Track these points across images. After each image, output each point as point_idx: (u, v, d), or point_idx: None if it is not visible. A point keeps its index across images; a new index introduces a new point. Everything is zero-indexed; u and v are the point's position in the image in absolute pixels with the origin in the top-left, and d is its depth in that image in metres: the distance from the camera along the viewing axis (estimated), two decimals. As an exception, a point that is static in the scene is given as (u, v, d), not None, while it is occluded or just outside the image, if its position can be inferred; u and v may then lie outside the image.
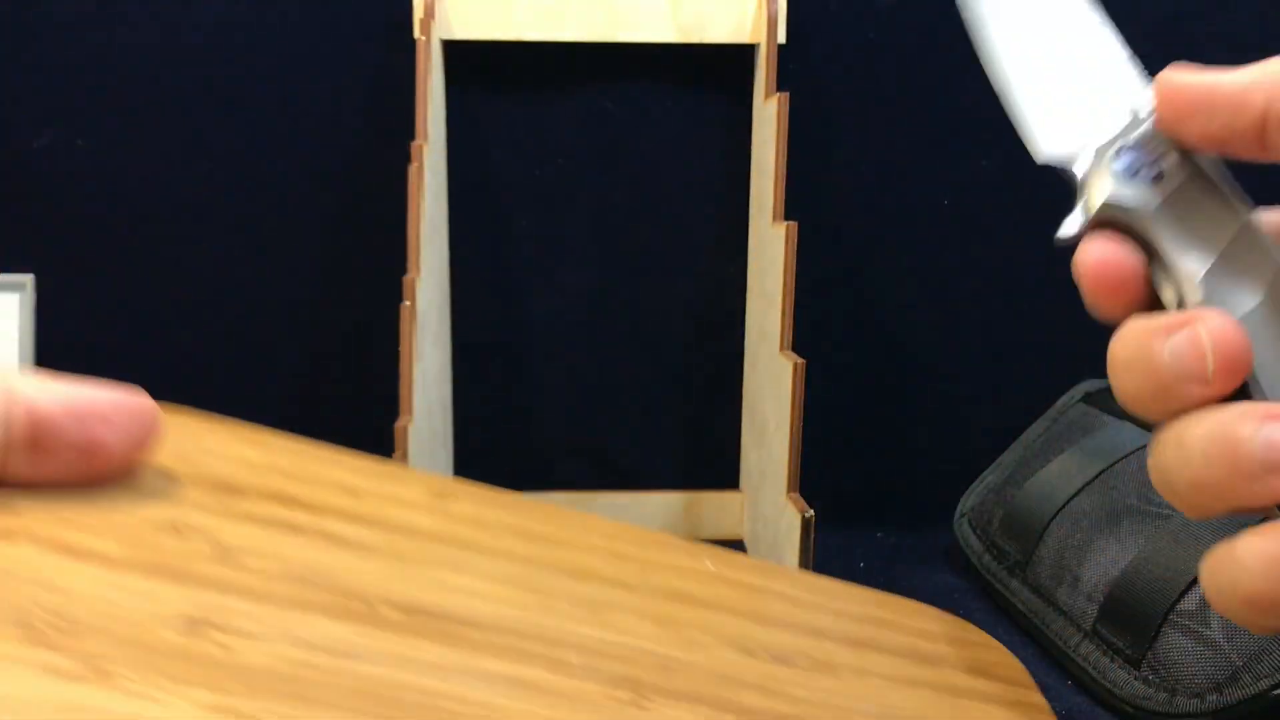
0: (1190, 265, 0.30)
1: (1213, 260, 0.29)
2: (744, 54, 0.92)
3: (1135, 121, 0.33)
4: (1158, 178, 0.31)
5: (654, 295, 0.97)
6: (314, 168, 0.93)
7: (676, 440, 1.00)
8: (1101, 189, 0.32)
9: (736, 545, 0.97)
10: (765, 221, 0.86)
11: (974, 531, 0.87)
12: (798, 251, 0.79)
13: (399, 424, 0.73)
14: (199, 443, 0.41)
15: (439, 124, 0.89)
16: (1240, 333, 0.27)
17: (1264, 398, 0.28)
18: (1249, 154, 0.29)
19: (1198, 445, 0.27)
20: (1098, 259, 0.31)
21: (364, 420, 0.94)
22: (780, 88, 0.84)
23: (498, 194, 0.95)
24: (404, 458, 0.72)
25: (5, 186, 0.92)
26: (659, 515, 0.99)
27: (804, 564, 0.74)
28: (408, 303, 0.75)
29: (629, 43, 0.90)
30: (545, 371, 0.98)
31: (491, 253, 0.95)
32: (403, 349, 0.74)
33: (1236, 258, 0.29)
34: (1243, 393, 0.28)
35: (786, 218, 0.80)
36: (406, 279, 0.75)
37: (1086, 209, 0.33)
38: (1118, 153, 0.33)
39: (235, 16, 0.90)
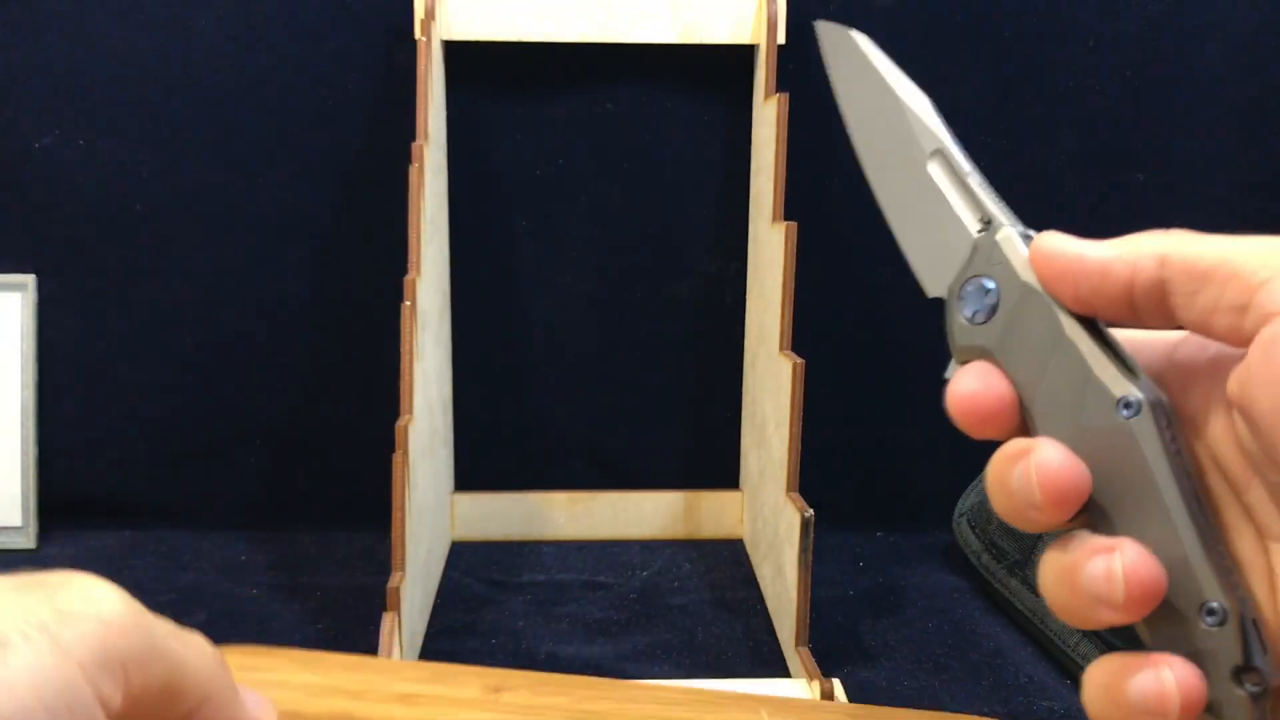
0: (1027, 392, 0.30)
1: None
2: (744, 54, 0.92)
3: (974, 256, 0.32)
4: (993, 311, 0.31)
5: (654, 295, 0.97)
6: (314, 168, 0.93)
7: (676, 440, 1.00)
8: (955, 331, 0.32)
9: (736, 545, 0.98)
10: (765, 221, 0.86)
11: (973, 531, 0.87)
12: (798, 251, 0.79)
13: (399, 423, 0.73)
14: (260, 675, 0.43)
15: (439, 124, 0.89)
16: (1067, 466, 0.29)
17: (1106, 515, 0.29)
18: (1121, 320, 0.30)
19: (1049, 575, 0.30)
20: (960, 395, 0.31)
21: (364, 420, 0.94)
22: (780, 88, 0.84)
23: (498, 194, 0.95)
24: (404, 456, 0.72)
25: (7, 187, 0.92)
26: (659, 515, 0.99)
27: (803, 563, 0.74)
28: (408, 302, 0.75)
29: (629, 43, 0.90)
30: (545, 371, 0.98)
31: (491, 253, 0.96)
32: (403, 348, 0.74)
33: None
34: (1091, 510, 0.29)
35: (786, 218, 0.81)
36: (407, 279, 0.75)
37: (952, 351, 0.33)
38: (961, 294, 0.32)
39: (236, 17, 0.90)
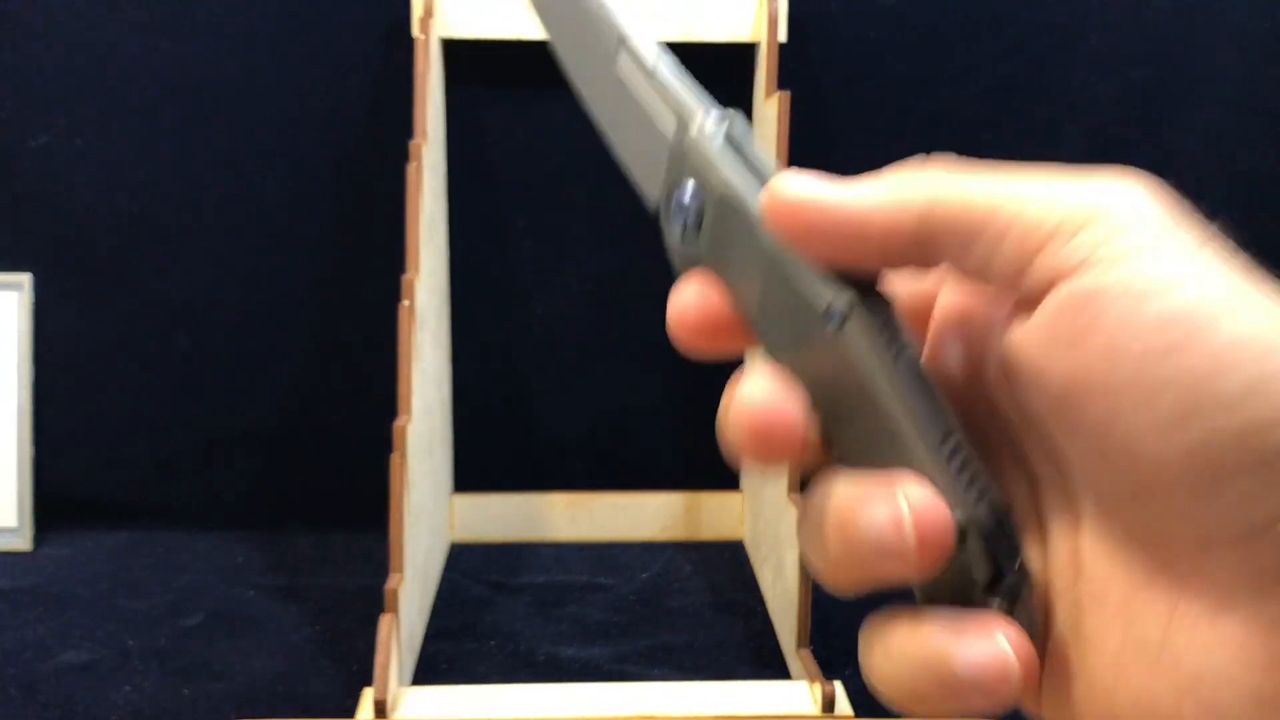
0: (743, 307, 0.26)
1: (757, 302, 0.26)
2: (744, 53, 0.92)
3: (672, 160, 0.28)
4: (700, 219, 0.27)
5: (654, 295, 0.96)
6: (313, 167, 0.93)
7: (676, 440, 0.99)
8: (670, 248, 0.29)
9: (737, 546, 0.97)
10: (766, 221, 0.86)
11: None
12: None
13: (397, 423, 0.72)
14: None
15: (438, 123, 0.88)
16: (769, 398, 0.24)
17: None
18: (877, 272, 0.25)
19: (810, 530, 0.24)
20: (673, 310, 0.28)
21: (362, 420, 0.94)
22: (781, 86, 0.84)
23: (497, 193, 0.94)
24: (402, 457, 0.72)
25: (3, 186, 0.92)
26: (659, 515, 0.98)
27: (804, 565, 0.74)
28: (406, 302, 0.74)
29: (629, 41, 0.90)
30: (545, 371, 0.98)
31: (491, 253, 0.95)
32: (401, 348, 0.74)
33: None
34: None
35: (787, 217, 0.80)
36: (405, 278, 0.75)
37: (674, 270, 0.29)
38: (668, 207, 0.28)
39: (234, 16, 0.90)
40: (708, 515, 0.99)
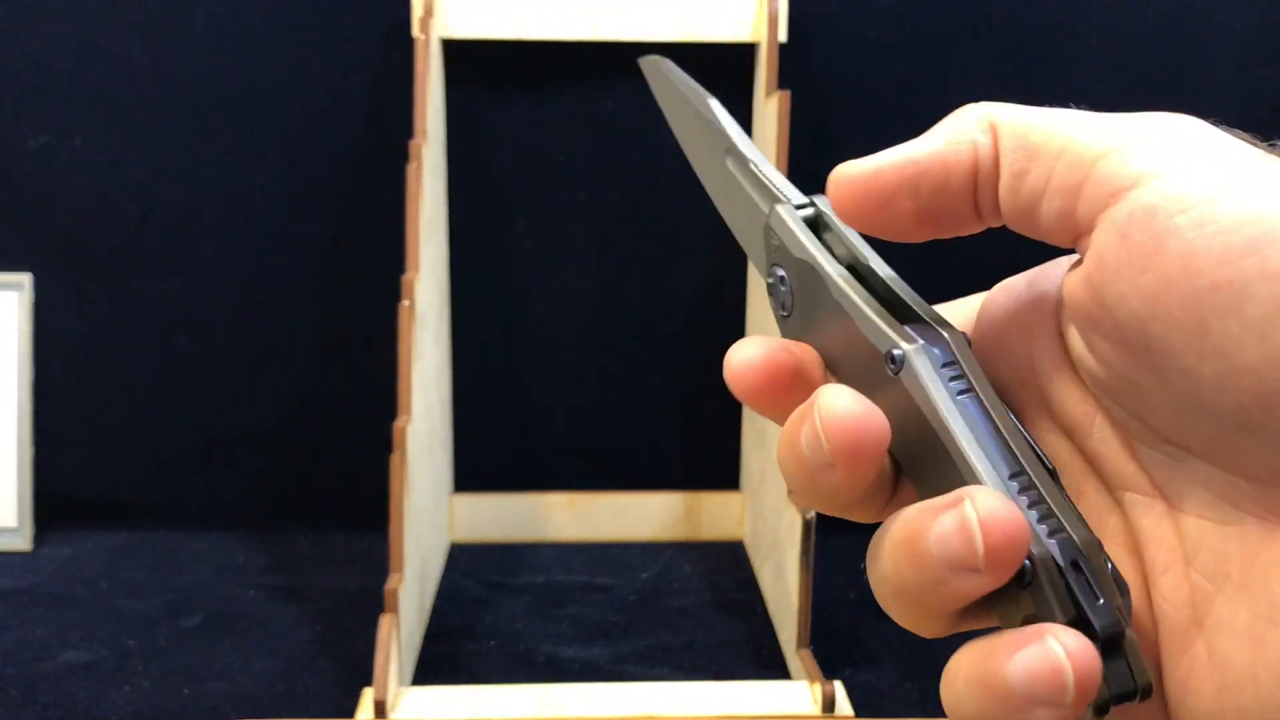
0: (827, 363, 0.27)
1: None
2: (745, 52, 0.92)
3: (768, 243, 0.30)
4: (792, 299, 0.28)
5: (654, 295, 0.96)
6: (311, 166, 0.93)
7: (676, 440, 0.99)
8: (777, 320, 0.30)
9: (737, 546, 0.97)
10: (766, 221, 0.86)
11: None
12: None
13: (397, 423, 0.72)
14: None
15: (438, 123, 0.88)
16: (856, 407, 0.23)
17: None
18: (928, 229, 0.26)
19: (882, 559, 0.24)
20: (742, 362, 0.26)
21: (362, 420, 0.94)
22: (781, 86, 0.84)
23: (497, 194, 0.94)
24: (402, 457, 0.72)
25: (2, 186, 0.92)
26: (659, 515, 0.98)
27: (804, 566, 0.74)
28: (406, 302, 0.74)
29: (629, 41, 0.90)
30: (545, 371, 0.98)
31: (491, 252, 0.95)
32: (401, 348, 0.74)
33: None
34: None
35: (787, 217, 0.80)
36: (405, 278, 0.75)
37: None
38: (769, 288, 0.29)
39: (232, 15, 0.90)
40: (708, 515, 0.99)
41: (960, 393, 0.24)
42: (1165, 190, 0.20)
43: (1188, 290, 0.20)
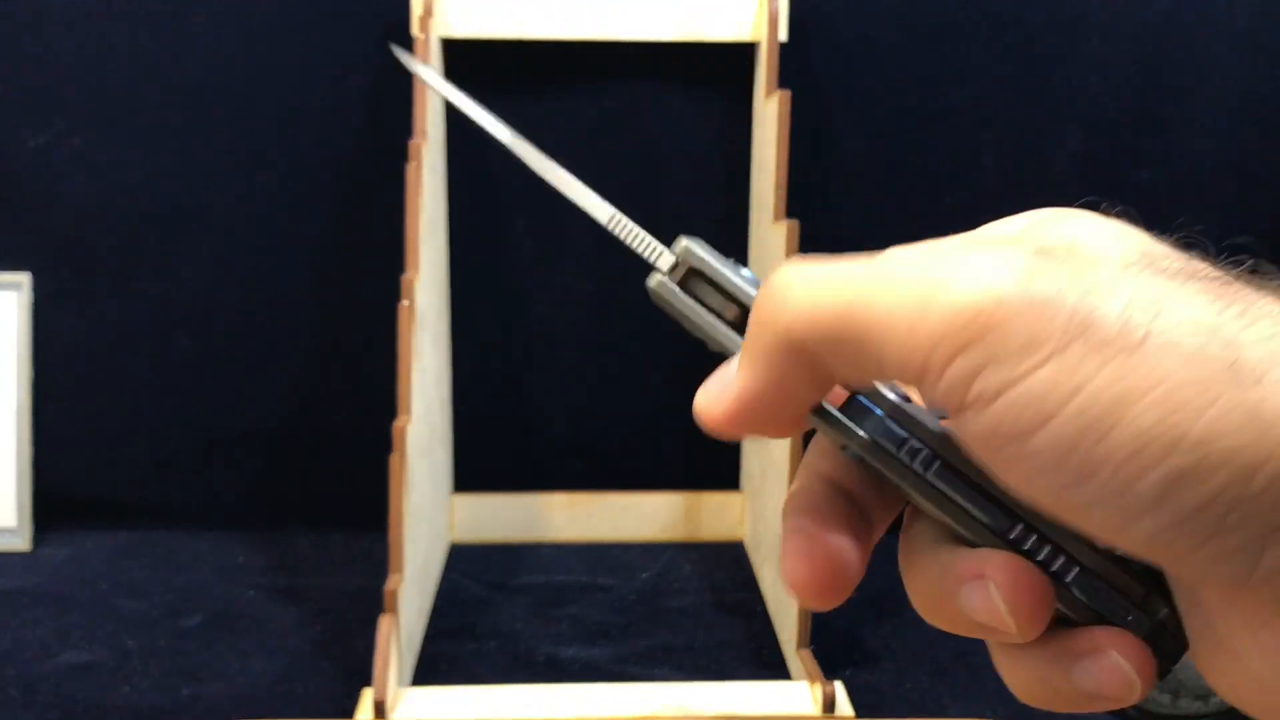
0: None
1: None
2: (745, 52, 0.92)
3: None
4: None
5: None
6: (311, 166, 0.93)
7: (676, 440, 0.99)
8: None
9: (737, 547, 0.97)
10: (766, 220, 0.86)
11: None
12: (798, 251, 0.78)
13: (396, 424, 0.72)
14: None
15: (438, 123, 0.88)
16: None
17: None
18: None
19: (921, 601, 0.25)
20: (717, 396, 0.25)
21: (362, 420, 0.93)
22: (781, 86, 0.84)
23: (497, 194, 0.94)
24: (401, 457, 0.72)
25: (2, 186, 0.92)
26: (659, 516, 0.98)
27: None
28: (405, 302, 0.74)
29: (629, 41, 0.90)
30: (545, 371, 0.98)
31: (491, 253, 0.95)
32: (401, 348, 0.74)
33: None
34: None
35: (787, 216, 0.80)
36: (404, 278, 0.75)
37: None
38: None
39: (232, 15, 0.90)
40: (708, 515, 0.98)
41: (926, 467, 0.24)
42: (983, 423, 0.20)
43: (1048, 491, 0.21)
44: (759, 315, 0.23)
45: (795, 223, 0.78)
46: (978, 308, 0.20)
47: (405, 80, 0.83)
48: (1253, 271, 0.21)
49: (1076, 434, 0.19)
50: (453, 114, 0.92)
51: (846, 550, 0.26)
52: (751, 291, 0.27)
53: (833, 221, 0.94)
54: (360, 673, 0.74)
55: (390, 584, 0.70)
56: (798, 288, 0.22)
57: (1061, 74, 0.93)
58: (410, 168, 0.77)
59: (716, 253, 0.28)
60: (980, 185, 0.94)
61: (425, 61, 0.81)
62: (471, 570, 0.92)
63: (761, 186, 0.89)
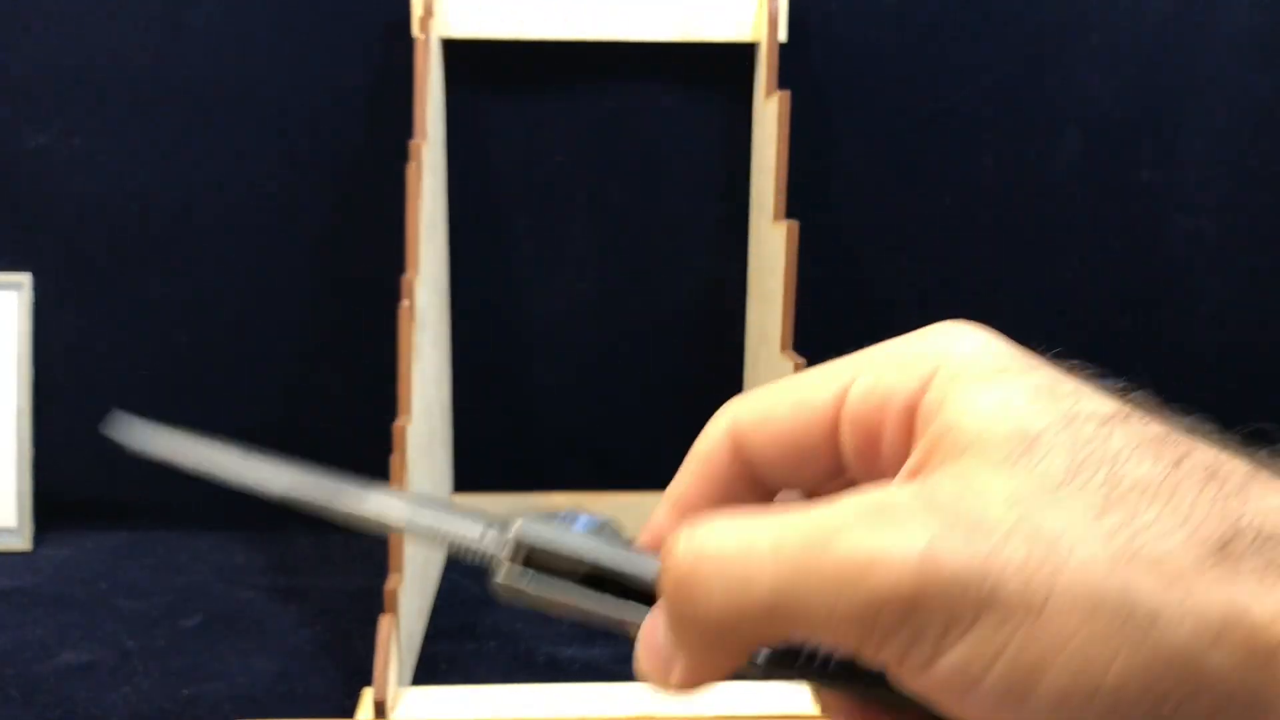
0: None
1: None
2: (745, 52, 0.92)
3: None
4: None
5: (654, 295, 0.96)
6: (311, 166, 0.93)
7: (676, 440, 0.99)
8: None
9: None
10: (765, 221, 0.86)
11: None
12: (798, 251, 0.78)
13: (396, 424, 0.72)
14: None
15: (438, 123, 0.88)
16: None
17: None
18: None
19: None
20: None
21: (362, 420, 0.93)
22: (781, 86, 0.84)
23: (497, 193, 0.94)
24: (401, 458, 0.72)
25: (3, 186, 0.92)
26: (659, 516, 0.98)
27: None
28: (405, 302, 0.74)
29: (629, 41, 0.90)
30: (545, 371, 0.98)
31: (491, 253, 0.95)
32: (401, 348, 0.74)
33: None
34: None
35: (787, 217, 0.80)
36: (404, 278, 0.75)
37: None
38: None
39: (231, 14, 0.90)
40: (708, 515, 0.98)
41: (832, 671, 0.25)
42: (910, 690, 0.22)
43: None
44: (680, 610, 0.25)
45: (795, 223, 0.78)
46: (897, 597, 0.21)
47: (405, 80, 0.83)
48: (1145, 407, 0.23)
49: (1002, 695, 0.21)
50: (453, 114, 0.92)
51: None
52: (619, 558, 0.27)
53: (833, 221, 0.94)
54: (360, 673, 0.74)
55: (390, 584, 0.70)
56: (715, 583, 0.24)
57: (1061, 74, 0.93)
58: (410, 168, 0.77)
59: (556, 521, 0.28)
60: (980, 185, 0.94)
61: (425, 61, 0.81)
62: (471, 570, 0.91)
63: (761, 187, 0.89)
